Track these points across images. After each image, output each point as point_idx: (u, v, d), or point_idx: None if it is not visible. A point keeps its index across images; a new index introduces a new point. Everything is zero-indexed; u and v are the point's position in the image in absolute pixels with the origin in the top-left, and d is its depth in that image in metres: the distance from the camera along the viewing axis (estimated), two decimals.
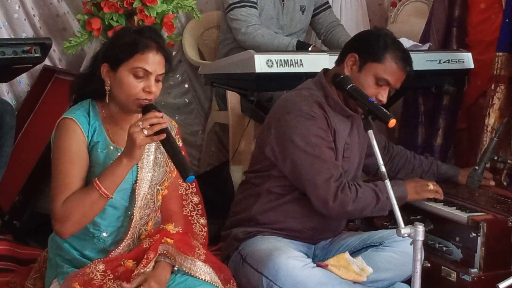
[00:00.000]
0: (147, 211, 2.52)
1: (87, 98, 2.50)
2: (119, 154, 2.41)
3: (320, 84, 2.90)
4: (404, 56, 2.83)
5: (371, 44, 2.84)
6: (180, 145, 2.62)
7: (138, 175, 2.47)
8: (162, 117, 2.34)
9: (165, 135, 2.31)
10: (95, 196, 2.34)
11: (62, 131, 2.42)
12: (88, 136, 2.43)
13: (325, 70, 2.96)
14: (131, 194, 2.48)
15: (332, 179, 2.76)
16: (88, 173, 2.42)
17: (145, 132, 2.29)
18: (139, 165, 2.47)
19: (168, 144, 2.33)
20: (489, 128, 3.62)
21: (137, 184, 2.47)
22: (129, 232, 2.49)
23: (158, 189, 2.54)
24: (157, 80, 2.41)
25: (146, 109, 2.37)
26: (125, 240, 2.48)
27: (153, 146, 2.52)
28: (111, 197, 2.36)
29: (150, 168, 2.50)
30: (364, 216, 2.92)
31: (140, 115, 2.41)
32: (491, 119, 3.62)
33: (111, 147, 2.46)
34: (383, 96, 2.82)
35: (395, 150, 3.29)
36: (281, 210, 2.89)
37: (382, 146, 3.22)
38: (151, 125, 2.30)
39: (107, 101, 2.44)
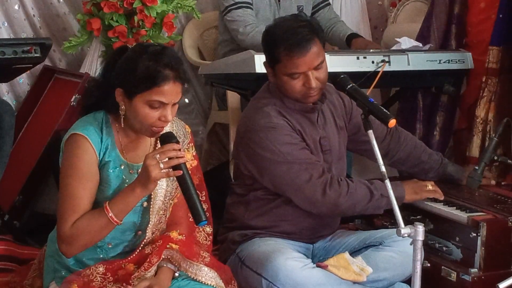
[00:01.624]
0: (159, 226, 2.50)
1: (101, 108, 2.43)
2: (130, 171, 2.38)
3: (274, 90, 2.88)
4: (293, 42, 2.71)
5: (266, 50, 2.83)
6: (194, 153, 2.59)
7: (152, 193, 2.42)
8: (180, 149, 2.27)
9: (181, 172, 2.25)
10: (104, 222, 2.30)
11: (73, 148, 2.35)
12: (99, 155, 2.37)
13: None
14: (143, 212, 2.45)
15: (313, 178, 2.75)
16: (97, 191, 2.38)
17: (162, 165, 2.23)
18: None
19: (184, 184, 2.27)
20: (479, 120, 3.64)
21: (151, 203, 2.43)
22: (139, 247, 2.45)
23: (170, 203, 2.51)
24: (173, 104, 2.34)
25: (164, 139, 2.30)
26: (133, 255, 2.44)
27: None
28: (120, 223, 2.32)
29: (163, 183, 2.45)
30: (358, 213, 2.87)
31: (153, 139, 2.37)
32: (481, 111, 3.65)
33: (123, 166, 2.41)
34: (309, 82, 2.74)
35: (404, 134, 3.19)
36: (272, 215, 2.89)
37: (384, 130, 3.12)
38: (169, 158, 2.24)
39: (122, 126, 2.38)
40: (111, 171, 2.39)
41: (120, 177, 2.39)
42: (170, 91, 2.30)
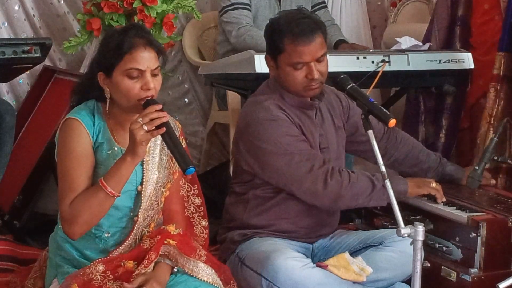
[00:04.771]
0: (150, 213, 2.52)
1: (90, 99, 2.50)
2: None
3: (273, 85, 2.89)
4: (299, 31, 2.76)
5: (270, 40, 2.85)
6: (184, 146, 2.62)
7: (144, 177, 2.47)
8: (162, 110, 2.31)
9: (164, 129, 2.29)
10: (102, 196, 2.33)
11: (67, 132, 2.41)
12: (93, 137, 2.42)
13: None
14: (136, 196, 2.48)
15: (315, 168, 2.74)
16: (93, 173, 2.41)
17: (145, 127, 2.27)
18: (144, 166, 2.47)
19: (168, 138, 2.31)
20: (495, 128, 3.61)
21: (143, 185, 2.47)
22: (132, 233, 2.48)
23: (162, 191, 2.54)
24: (154, 75, 2.39)
25: (147, 104, 2.35)
26: (127, 241, 2.48)
27: (158, 147, 2.51)
28: (118, 196, 2.35)
29: (155, 170, 2.49)
30: (361, 205, 2.84)
31: None
32: (497, 119, 3.63)
33: (116, 148, 2.45)
34: (312, 74, 2.77)
35: (401, 135, 3.20)
36: (271, 213, 2.88)
37: (381, 131, 3.13)
38: (151, 119, 2.28)
39: (107, 109, 2.44)
40: (105, 152, 2.43)
41: (114, 158, 2.42)
42: (143, 57, 2.37)
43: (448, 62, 3.73)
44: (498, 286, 2.31)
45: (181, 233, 2.51)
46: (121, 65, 2.37)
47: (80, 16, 4.06)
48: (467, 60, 3.77)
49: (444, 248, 2.94)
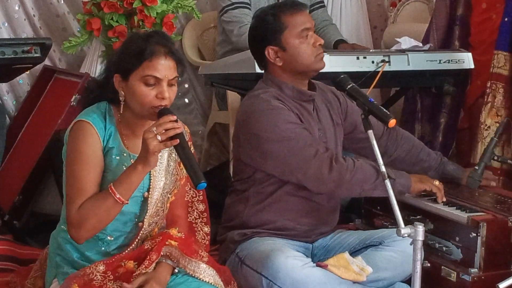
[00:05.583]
0: (155, 219, 2.51)
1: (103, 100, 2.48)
2: (132, 161, 2.39)
3: (270, 81, 2.90)
4: (291, 4, 2.88)
5: (266, 27, 2.86)
6: (192, 151, 2.61)
7: (151, 184, 2.46)
8: (176, 120, 2.30)
9: (178, 140, 2.28)
10: (111, 202, 2.32)
11: (78, 134, 2.39)
12: (103, 141, 2.40)
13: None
14: (142, 202, 2.47)
15: (319, 153, 2.74)
16: (102, 178, 2.40)
17: (159, 137, 2.26)
18: (151, 173, 2.45)
19: (181, 150, 2.29)
20: (484, 126, 3.62)
21: (150, 192, 2.46)
22: (136, 239, 2.48)
23: (168, 197, 2.53)
24: (170, 85, 2.38)
25: (161, 113, 2.34)
26: (131, 247, 2.47)
27: (165, 154, 2.50)
28: (127, 203, 2.34)
29: (162, 176, 2.48)
30: (366, 192, 2.79)
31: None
32: (486, 117, 3.63)
33: (125, 154, 2.43)
34: (319, 39, 2.86)
35: (401, 133, 3.20)
36: (271, 210, 2.88)
37: (380, 128, 3.13)
38: (166, 130, 2.27)
39: (121, 111, 2.42)
40: (114, 156, 2.42)
41: (123, 164, 2.41)
42: (162, 66, 2.36)
43: (448, 62, 3.73)
44: (498, 286, 2.31)
45: (183, 237, 2.50)
46: (139, 71, 2.35)
47: (80, 16, 4.06)
48: (467, 60, 3.77)
49: (444, 248, 2.94)
